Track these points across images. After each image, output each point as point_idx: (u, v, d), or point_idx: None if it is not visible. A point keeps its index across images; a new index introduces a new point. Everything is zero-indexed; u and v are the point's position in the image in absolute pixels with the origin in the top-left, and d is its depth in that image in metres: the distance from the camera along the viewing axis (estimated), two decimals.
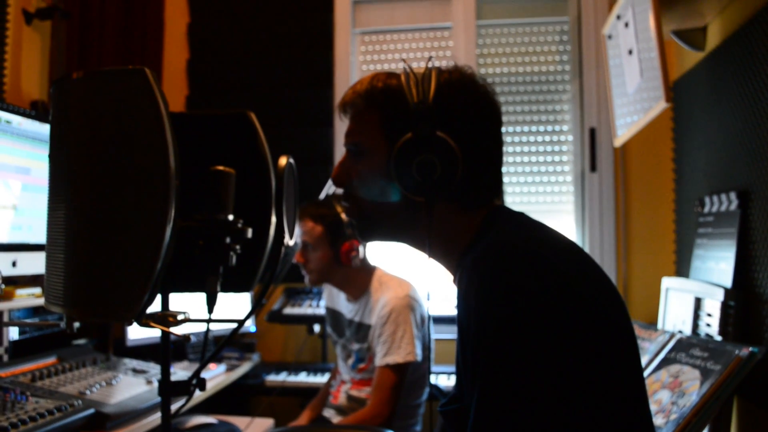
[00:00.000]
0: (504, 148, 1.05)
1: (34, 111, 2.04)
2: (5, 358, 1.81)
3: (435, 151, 0.95)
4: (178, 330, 1.05)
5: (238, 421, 2.20)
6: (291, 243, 1.18)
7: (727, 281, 1.80)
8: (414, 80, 0.98)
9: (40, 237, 2.01)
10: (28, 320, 1.95)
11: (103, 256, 0.88)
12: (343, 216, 2.07)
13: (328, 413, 2.20)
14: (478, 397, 0.82)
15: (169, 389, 1.12)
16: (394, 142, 0.98)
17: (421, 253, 1.05)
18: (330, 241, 2.09)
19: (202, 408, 2.24)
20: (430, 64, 1.01)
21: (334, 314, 2.31)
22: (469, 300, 0.86)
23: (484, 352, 0.82)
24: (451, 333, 2.71)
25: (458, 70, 1.03)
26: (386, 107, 1.01)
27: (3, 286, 1.84)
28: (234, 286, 1.13)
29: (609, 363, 0.84)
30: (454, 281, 1.03)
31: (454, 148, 0.95)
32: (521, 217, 1.02)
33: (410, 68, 1.00)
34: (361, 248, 2.11)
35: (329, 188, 2.69)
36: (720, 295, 1.77)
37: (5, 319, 1.80)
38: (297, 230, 2.11)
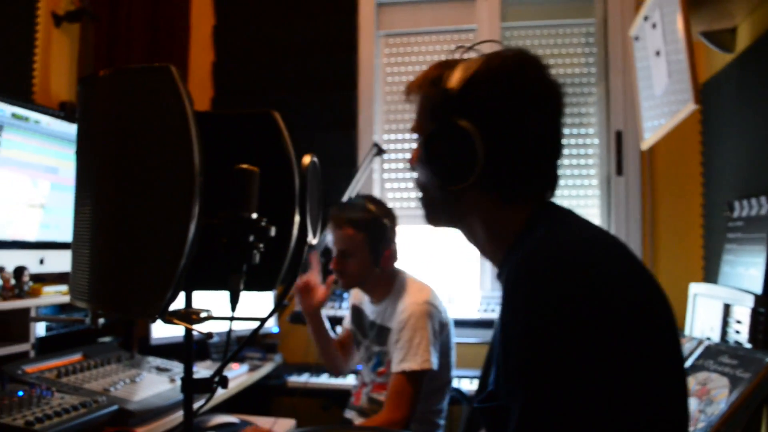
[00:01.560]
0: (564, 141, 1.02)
1: (63, 111, 2.07)
2: (32, 354, 1.84)
3: (453, 141, 0.94)
4: (200, 327, 1.06)
5: (260, 421, 2.21)
6: (314, 242, 1.18)
7: (758, 287, 1.76)
8: (450, 68, 0.98)
9: (68, 235, 2.04)
10: (55, 317, 1.98)
11: (128, 252, 0.88)
12: (385, 221, 2.07)
13: (349, 414, 2.20)
14: (523, 404, 0.80)
15: (191, 386, 1.12)
16: None
17: (470, 244, 1.04)
18: (371, 248, 2.08)
19: (225, 407, 2.25)
20: (476, 49, 1.01)
21: (358, 312, 2.30)
22: (516, 301, 0.84)
23: (531, 358, 0.80)
24: (473, 337, 2.69)
25: (506, 55, 0.99)
26: (428, 96, 1.01)
27: (31, 283, 1.87)
28: (257, 284, 1.12)
29: (656, 371, 0.81)
30: (499, 276, 1.01)
31: (475, 137, 0.93)
32: (570, 215, 0.99)
33: (464, 53, 1.00)
34: (398, 252, 2.12)
35: (352, 191, 2.69)
36: (750, 301, 1.73)
37: (32, 315, 1.83)
38: (334, 237, 2.10)
